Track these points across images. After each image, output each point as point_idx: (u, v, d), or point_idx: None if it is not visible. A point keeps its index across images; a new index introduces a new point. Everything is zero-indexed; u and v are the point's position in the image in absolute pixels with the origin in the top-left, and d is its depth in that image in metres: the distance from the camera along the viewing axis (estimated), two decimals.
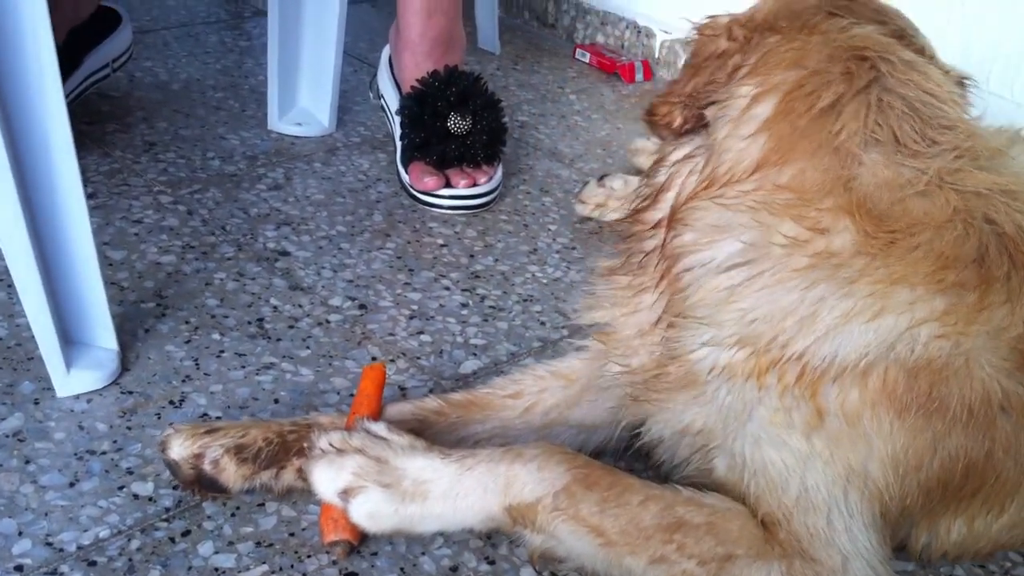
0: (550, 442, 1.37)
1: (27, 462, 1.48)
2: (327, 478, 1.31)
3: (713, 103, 1.38)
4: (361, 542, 1.38)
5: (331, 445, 1.33)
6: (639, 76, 3.26)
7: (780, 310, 1.24)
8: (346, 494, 1.29)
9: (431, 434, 1.50)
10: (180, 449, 1.41)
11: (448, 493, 1.29)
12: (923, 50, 1.42)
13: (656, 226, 1.42)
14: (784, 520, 1.26)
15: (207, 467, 1.41)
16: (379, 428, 1.37)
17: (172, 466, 1.43)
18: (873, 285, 1.21)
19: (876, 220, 1.22)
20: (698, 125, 1.40)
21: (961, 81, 1.47)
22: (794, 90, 1.30)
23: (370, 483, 1.29)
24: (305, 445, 1.40)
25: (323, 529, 1.37)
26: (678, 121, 1.43)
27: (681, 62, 3.23)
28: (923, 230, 1.22)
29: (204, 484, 1.42)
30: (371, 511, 1.29)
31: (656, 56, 3.32)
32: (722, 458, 1.34)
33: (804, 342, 1.23)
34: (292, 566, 1.36)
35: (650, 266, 1.42)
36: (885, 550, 1.28)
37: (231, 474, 1.41)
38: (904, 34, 1.42)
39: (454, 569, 1.39)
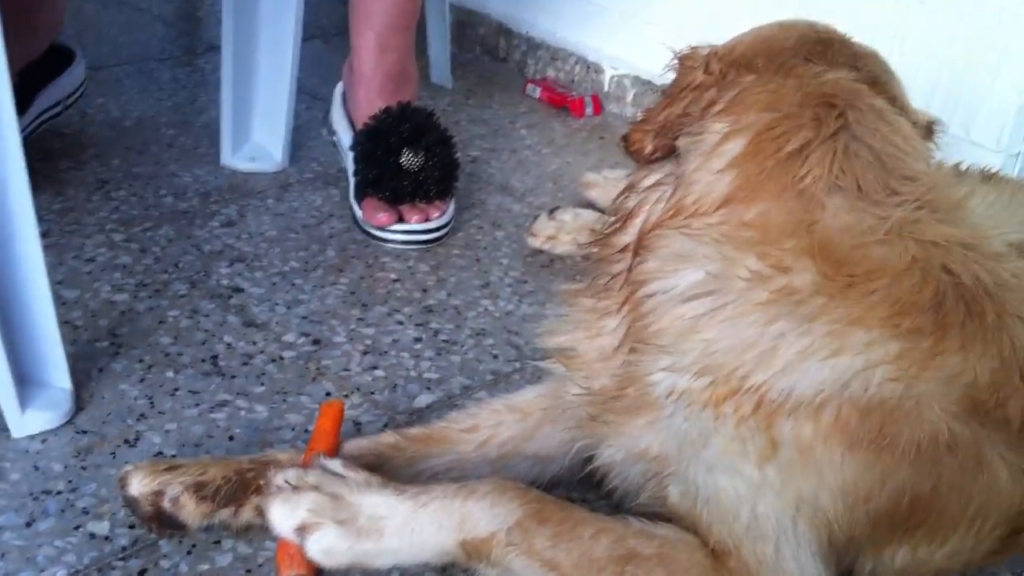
0: (504, 476, 1.39)
1: None
2: (283, 515, 1.32)
3: (685, 135, 1.42)
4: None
5: (287, 482, 1.35)
6: (589, 110, 3.30)
7: (741, 343, 1.27)
8: (302, 530, 1.31)
9: (389, 469, 1.52)
10: (139, 486, 1.42)
11: (403, 529, 1.31)
12: (895, 98, 1.47)
13: (623, 250, 1.45)
14: (734, 548, 1.30)
15: (167, 505, 1.42)
16: (335, 465, 1.39)
17: (131, 502, 1.44)
18: (831, 324, 1.25)
19: (836, 263, 1.26)
20: (669, 154, 1.45)
21: (930, 126, 1.54)
22: (764, 132, 1.34)
23: (326, 520, 1.31)
24: (262, 482, 1.42)
25: (280, 564, 1.38)
26: (648, 149, 1.47)
27: (630, 97, 3.29)
28: (881, 276, 1.26)
29: (163, 521, 1.43)
30: (327, 547, 1.30)
31: (605, 90, 3.37)
32: (676, 485, 1.37)
33: (763, 375, 1.26)
34: None
35: (615, 289, 1.45)
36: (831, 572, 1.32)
37: (190, 511, 1.43)
38: (877, 80, 1.47)
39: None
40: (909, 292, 1.26)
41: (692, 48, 1.52)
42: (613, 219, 1.50)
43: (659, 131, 1.46)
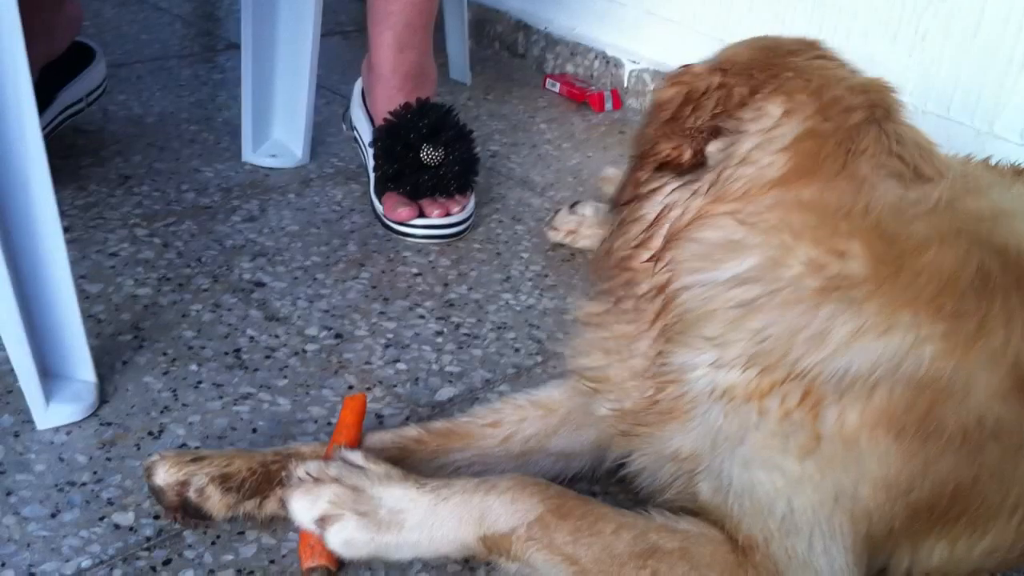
0: (526, 472, 1.39)
1: (8, 494, 1.49)
2: (304, 507, 1.32)
3: (720, 134, 1.40)
4: (339, 568, 1.40)
5: (308, 474, 1.35)
6: (608, 105, 3.30)
7: (792, 328, 1.26)
8: (323, 522, 1.31)
9: (411, 462, 1.52)
10: (166, 476, 1.44)
11: (423, 523, 1.31)
12: None
13: (651, 259, 1.41)
14: (763, 543, 1.28)
15: (192, 495, 1.43)
16: (356, 457, 1.39)
17: (157, 492, 1.45)
18: (882, 305, 1.24)
19: (887, 243, 1.27)
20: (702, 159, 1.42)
21: None
22: (822, 111, 1.35)
23: (346, 511, 1.31)
24: (286, 474, 1.42)
25: (301, 556, 1.39)
26: (687, 155, 1.42)
27: (649, 91, 3.28)
28: (927, 250, 1.26)
29: (188, 511, 1.44)
30: (347, 539, 1.31)
31: (625, 85, 3.36)
32: (707, 481, 1.35)
33: (815, 358, 1.25)
34: None
35: (644, 310, 1.42)
36: (861, 568, 1.30)
37: (215, 503, 1.43)
38: None
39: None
40: (955, 264, 1.26)
41: (684, 66, 1.49)
42: (630, 238, 1.45)
43: (694, 135, 1.42)
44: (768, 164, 1.34)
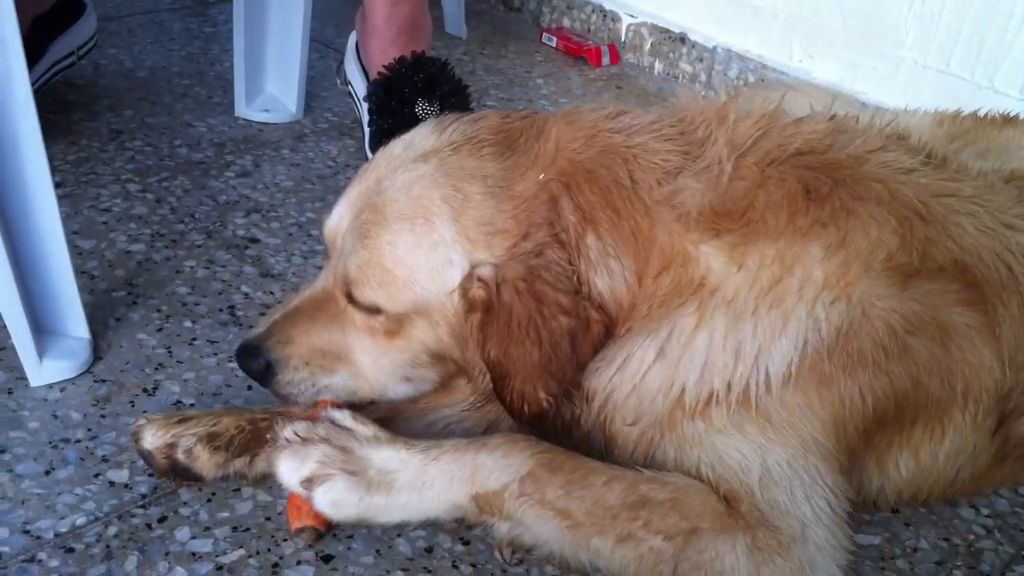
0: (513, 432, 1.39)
1: (2, 451, 1.48)
2: (291, 467, 1.32)
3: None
4: (329, 528, 1.39)
5: (296, 434, 1.34)
6: (605, 60, 3.27)
7: (709, 364, 1.33)
8: (310, 482, 1.30)
9: (400, 420, 1.51)
10: (153, 439, 1.43)
11: (414, 483, 1.31)
12: None
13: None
14: (746, 495, 1.31)
15: (181, 456, 1.42)
16: (343, 417, 1.38)
17: (146, 456, 1.44)
18: (763, 295, 1.31)
19: (719, 221, 1.33)
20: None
21: None
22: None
23: (335, 471, 1.30)
24: (269, 436, 1.41)
25: (290, 517, 1.39)
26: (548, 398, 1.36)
27: (647, 46, 3.25)
28: (753, 199, 1.33)
29: (179, 472, 1.43)
30: (335, 499, 1.30)
31: (622, 40, 3.33)
32: (669, 450, 1.38)
33: (736, 374, 1.32)
34: (269, 550, 1.37)
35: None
36: (844, 508, 1.34)
37: (204, 462, 1.43)
38: None
39: (429, 550, 1.41)
40: (782, 192, 1.33)
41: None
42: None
43: (555, 374, 1.34)
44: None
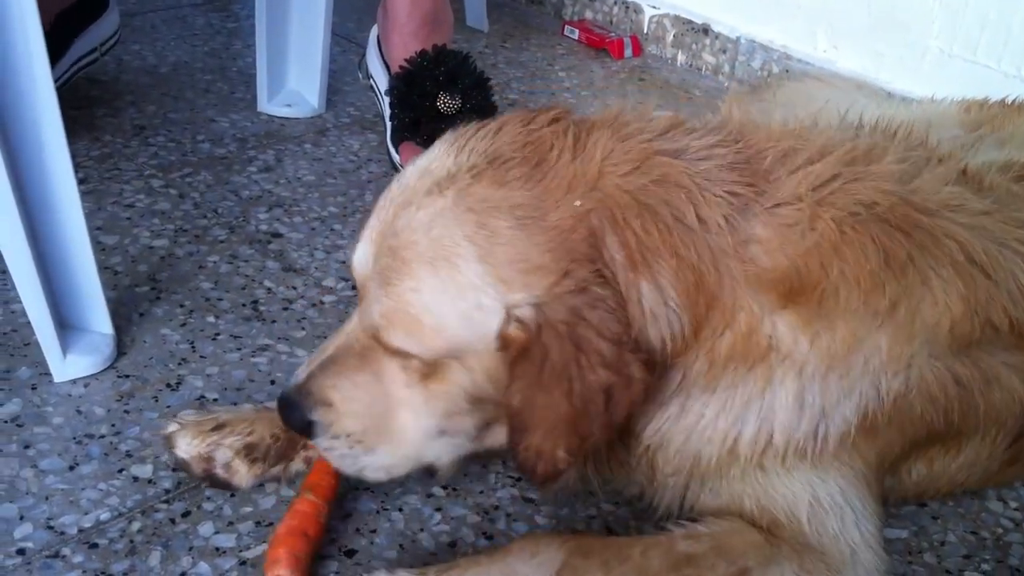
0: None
1: (26, 447, 1.49)
2: None
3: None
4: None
5: None
6: (628, 52, 3.25)
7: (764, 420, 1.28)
8: None
9: None
10: (188, 448, 1.43)
11: None
12: None
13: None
14: (789, 523, 1.30)
15: (220, 471, 1.43)
16: None
17: (182, 464, 1.44)
18: (826, 356, 1.25)
19: (793, 288, 1.24)
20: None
21: None
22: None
23: None
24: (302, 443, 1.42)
25: (269, 559, 1.31)
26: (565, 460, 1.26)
27: (670, 37, 3.23)
28: (828, 268, 1.23)
29: (216, 484, 1.44)
30: None
31: (645, 31, 3.32)
32: (711, 496, 1.36)
33: (798, 431, 1.27)
34: None
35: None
36: (882, 531, 1.34)
37: (243, 475, 1.44)
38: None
39: (452, 544, 1.41)
40: (856, 273, 1.23)
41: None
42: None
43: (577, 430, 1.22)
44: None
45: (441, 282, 1.19)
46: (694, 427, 1.28)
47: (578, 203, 1.19)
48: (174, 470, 1.46)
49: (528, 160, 1.23)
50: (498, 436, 1.31)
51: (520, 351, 1.18)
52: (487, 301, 1.18)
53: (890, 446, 1.34)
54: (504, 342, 1.19)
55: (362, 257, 1.30)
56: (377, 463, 1.33)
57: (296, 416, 1.32)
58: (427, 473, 1.38)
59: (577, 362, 1.16)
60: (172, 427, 1.45)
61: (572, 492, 1.46)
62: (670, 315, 1.20)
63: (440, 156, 1.28)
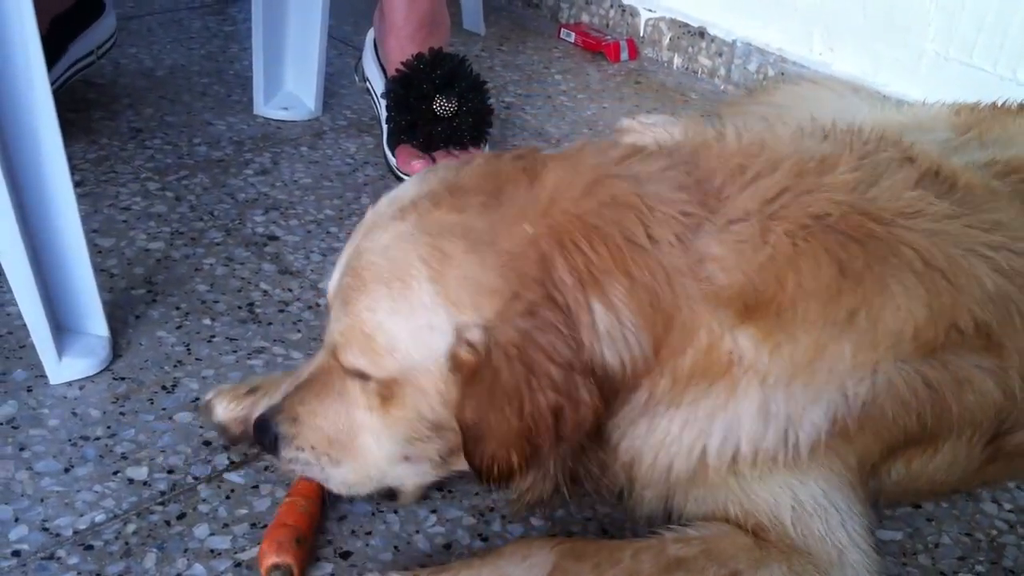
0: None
1: (22, 449, 1.49)
2: None
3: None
4: (302, 569, 1.33)
5: None
6: (624, 55, 3.26)
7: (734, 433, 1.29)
8: None
9: None
10: (225, 411, 1.49)
11: None
12: None
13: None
14: (774, 525, 1.30)
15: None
16: None
17: (219, 428, 1.50)
18: (789, 366, 1.26)
19: (749, 305, 1.25)
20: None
21: None
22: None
23: None
24: None
25: (263, 553, 1.31)
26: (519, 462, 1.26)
27: (666, 41, 3.24)
28: (784, 280, 1.25)
29: (252, 443, 1.47)
30: None
31: (641, 35, 3.32)
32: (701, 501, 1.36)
33: (764, 440, 1.28)
34: None
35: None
36: (872, 534, 1.34)
37: None
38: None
39: (447, 546, 1.41)
40: (813, 285, 1.24)
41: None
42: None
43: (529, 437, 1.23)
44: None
45: (394, 301, 1.22)
46: (662, 443, 1.29)
47: (529, 229, 1.21)
48: (168, 472, 1.47)
49: (486, 190, 1.27)
50: (464, 462, 1.30)
51: (471, 373, 1.20)
52: (438, 321, 1.21)
53: (868, 449, 1.34)
54: (455, 363, 1.21)
55: (334, 280, 1.34)
56: (340, 477, 1.35)
57: (265, 435, 1.36)
58: (388, 497, 1.41)
59: (527, 384, 1.18)
60: (210, 394, 1.52)
61: (546, 506, 1.46)
62: (627, 335, 1.22)
63: (410, 185, 1.33)
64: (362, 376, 1.28)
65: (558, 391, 1.18)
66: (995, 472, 1.56)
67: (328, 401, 1.33)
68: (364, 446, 1.33)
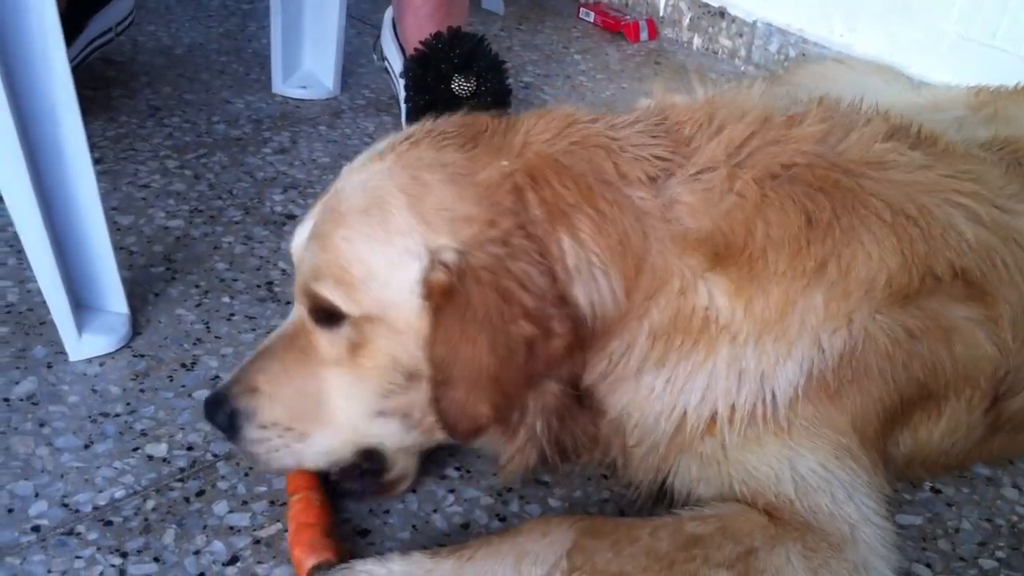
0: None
1: (42, 425, 1.49)
2: None
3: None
4: (341, 559, 1.29)
5: None
6: (644, 35, 3.24)
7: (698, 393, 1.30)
8: None
9: None
10: None
11: None
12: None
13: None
14: (785, 504, 1.29)
15: None
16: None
17: None
18: (763, 322, 1.27)
19: (718, 248, 1.27)
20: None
21: None
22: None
23: None
24: None
25: (299, 556, 1.29)
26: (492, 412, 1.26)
27: (686, 21, 3.22)
28: (752, 228, 1.27)
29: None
30: None
31: (661, 14, 3.30)
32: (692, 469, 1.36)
33: (739, 397, 1.29)
34: None
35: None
36: (886, 508, 1.32)
37: None
38: None
39: (465, 526, 1.41)
40: (781, 234, 1.26)
41: None
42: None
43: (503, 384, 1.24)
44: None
45: (371, 229, 1.25)
46: (646, 400, 1.32)
47: (504, 163, 1.26)
48: (188, 449, 1.47)
49: (463, 135, 1.33)
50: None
51: (443, 297, 1.20)
52: (413, 245, 1.23)
53: (859, 408, 1.32)
54: (428, 288, 1.22)
55: (299, 238, 1.35)
56: (313, 450, 1.34)
57: (220, 410, 1.32)
58: (375, 471, 1.39)
59: (500, 312, 1.19)
60: None
61: (533, 475, 1.47)
62: (596, 273, 1.25)
63: (386, 139, 1.36)
64: (332, 319, 1.27)
65: (530, 319, 1.20)
66: (1001, 445, 1.55)
67: (291, 363, 1.32)
68: (334, 409, 1.31)
